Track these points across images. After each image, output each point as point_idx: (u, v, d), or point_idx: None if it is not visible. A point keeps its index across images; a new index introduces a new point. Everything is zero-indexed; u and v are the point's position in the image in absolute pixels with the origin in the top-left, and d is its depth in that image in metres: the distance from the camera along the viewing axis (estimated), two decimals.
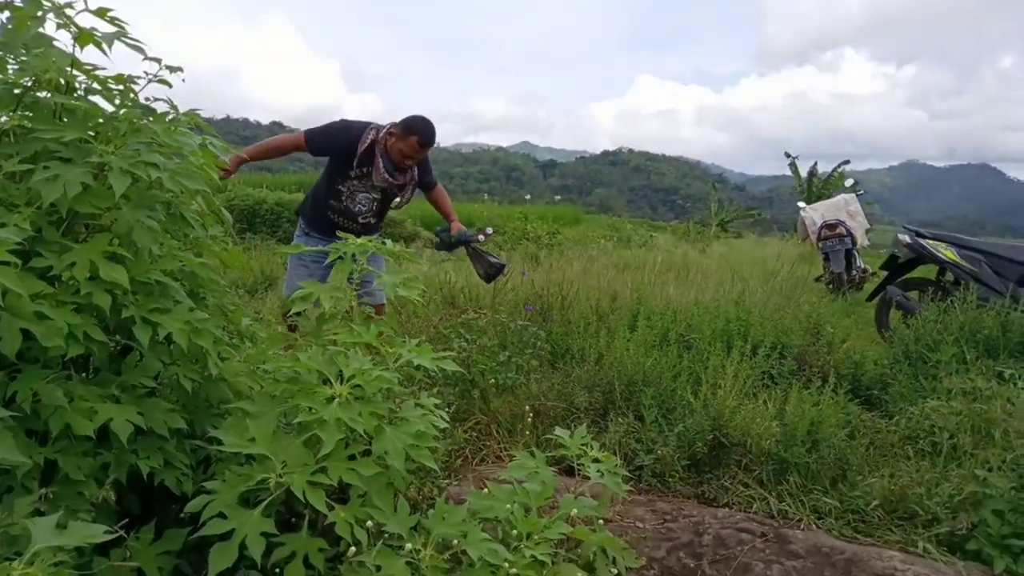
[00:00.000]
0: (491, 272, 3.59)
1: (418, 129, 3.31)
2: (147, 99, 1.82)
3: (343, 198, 3.43)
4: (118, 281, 1.49)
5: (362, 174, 3.37)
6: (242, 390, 1.95)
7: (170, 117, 1.82)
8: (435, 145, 3.45)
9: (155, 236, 1.64)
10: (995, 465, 2.26)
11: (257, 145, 3.43)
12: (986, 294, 4.26)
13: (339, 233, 2.55)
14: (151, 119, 1.75)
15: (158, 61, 1.81)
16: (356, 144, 3.30)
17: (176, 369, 1.73)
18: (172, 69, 1.83)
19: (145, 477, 1.59)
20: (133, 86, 1.80)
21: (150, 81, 1.81)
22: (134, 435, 1.52)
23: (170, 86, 1.85)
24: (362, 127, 3.36)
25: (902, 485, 2.25)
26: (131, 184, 1.57)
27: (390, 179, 3.36)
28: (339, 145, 3.35)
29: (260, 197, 10.90)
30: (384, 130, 3.35)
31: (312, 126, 3.44)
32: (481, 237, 3.61)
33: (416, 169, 3.48)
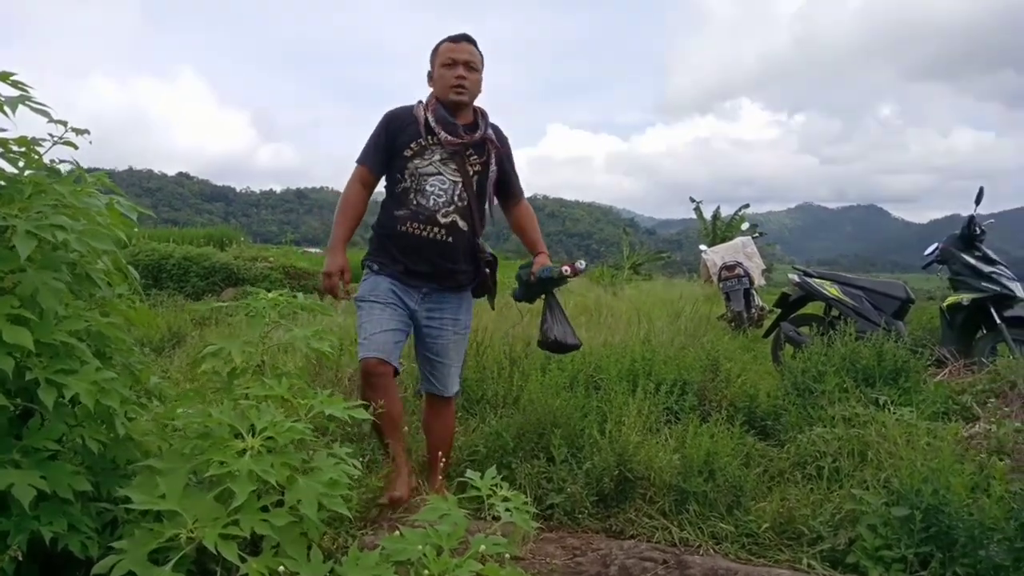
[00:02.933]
0: (560, 343, 2.75)
1: (442, 40, 2.67)
2: (52, 161, 1.85)
3: (410, 196, 2.59)
4: (22, 343, 1.50)
5: (422, 146, 2.59)
6: (151, 449, 1.94)
7: (77, 178, 1.84)
8: (475, 46, 2.65)
9: (60, 297, 1.65)
10: (870, 484, 2.47)
11: (339, 224, 2.70)
12: (864, 326, 4.65)
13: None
14: (56, 181, 1.77)
15: (64, 124, 1.84)
16: (413, 122, 2.63)
17: (81, 431, 1.71)
18: (78, 131, 1.87)
19: (47, 543, 1.57)
20: (38, 148, 1.82)
21: (55, 143, 1.83)
22: (36, 500, 1.50)
23: (76, 147, 1.88)
24: (411, 106, 2.70)
25: (790, 508, 2.43)
26: (36, 246, 1.58)
27: (453, 138, 2.58)
28: (391, 135, 2.65)
29: (166, 252, 10.60)
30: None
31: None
32: (566, 269, 2.67)
33: (492, 131, 2.69)
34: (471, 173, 2.63)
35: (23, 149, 1.81)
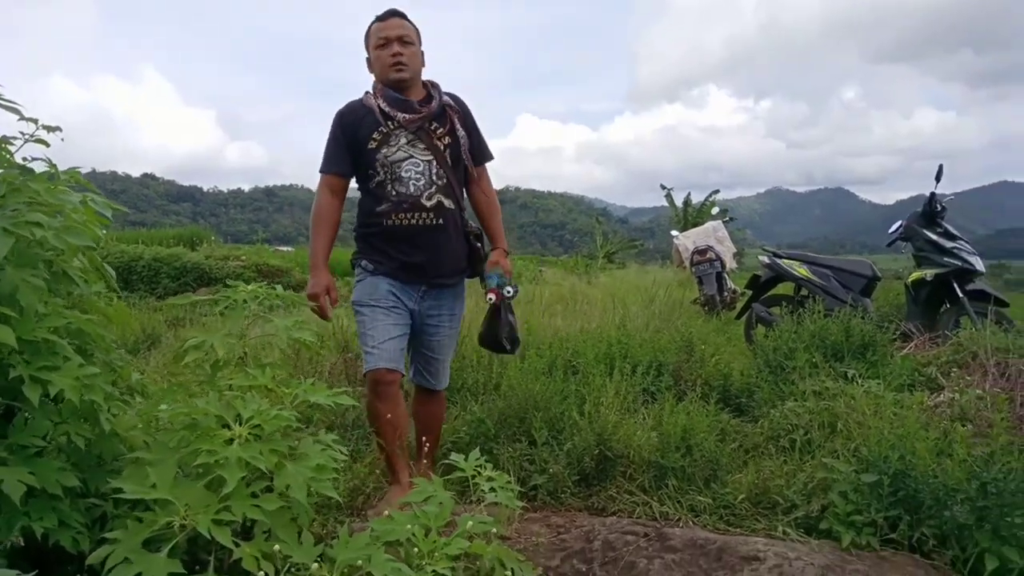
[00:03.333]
0: (502, 342, 2.66)
1: (371, 22, 2.59)
2: (25, 159, 1.84)
3: (388, 188, 2.50)
4: (5, 341, 1.50)
5: (384, 134, 2.50)
6: (136, 444, 1.95)
7: (50, 176, 1.84)
8: (406, 19, 2.57)
9: (40, 295, 1.65)
10: (841, 453, 2.56)
11: (316, 241, 2.58)
12: (832, 304, 4.77)
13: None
14: (30, 178, 1.77)
15: (35, 121, 1.84)
16: (368, 113, 2.54)
17: (66, 427, 1.72)
18: (50, 129, 1.86)
19: (39, 538, 1.58)
20: (8, 146, 1.81)
21: (27, 141, 1.83)
22: (25, 496, 1.51)
23: (47, 145, 1.88)
24: (359, 99, 2.61)
25: (765, 479, 2.52)
26: (13, 244, 1.59)
27: (412, 115, 2.50)
28: (348, 131, 2.55)
29: (136, 253, 10.44)
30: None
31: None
32: (490, 297, 2.60)
33: (448, 98, 2.60)
34: (442, 148, 2.54)
35: None
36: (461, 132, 2.58)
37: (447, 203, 2.54)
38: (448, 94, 2.63)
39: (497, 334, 2.65)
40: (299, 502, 1.59)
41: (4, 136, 1.79)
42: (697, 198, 21.60)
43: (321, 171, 2.61)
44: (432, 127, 2.54)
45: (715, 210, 11.42)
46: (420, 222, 2.50)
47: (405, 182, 2.49)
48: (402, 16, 2.56)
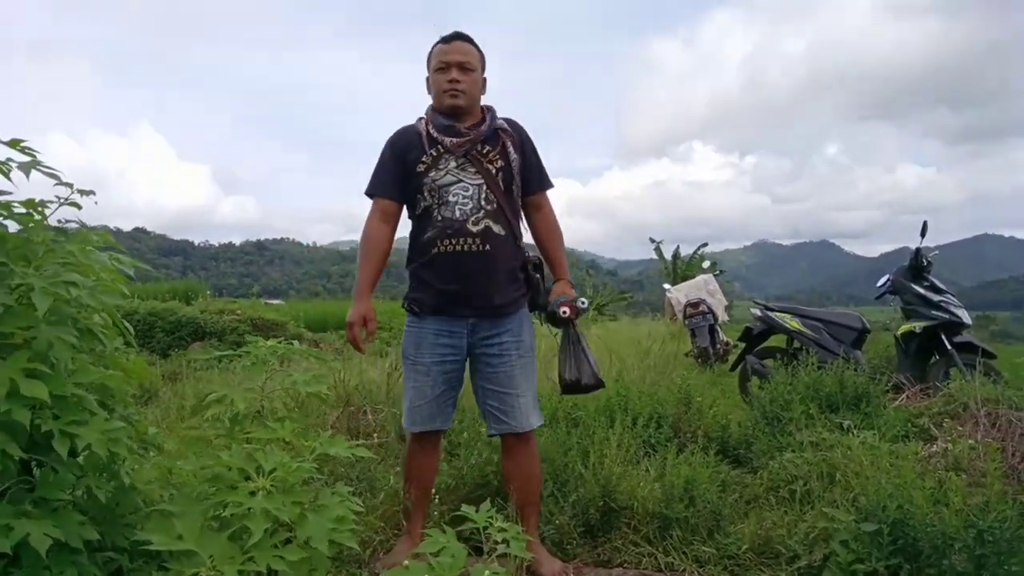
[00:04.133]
0: (575, 384, 2.56)
1: (435, 42, 2.50)
2: (60, 221, 1.93)
3: (434, 213, 2.42)
4: (39, 396, 1.56)
5: (433, 158, 2.42)
6: (153, 498, 1.99)
7: (81, 237, 1.93)
8: (471, 43, 2.49)
9: (71, 351, 1.72)
10: (840, 503, 2.61)
11: (362, 268, 2.50)
12: (824, 356, 4.87)
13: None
14: (65, 240, 1.86)
15: (70, 186, 1.93)
16: (416, 137, 2.47)
17: (87, 481, 1.77)
18: (84, 192, 1.96)
19: None
20: (44, 210, 1.90)
21: (61, 204, 1.92)
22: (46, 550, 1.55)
23: (80, 208, 1.97)
24: (413, 124, 2.54)
25: (767, 529, 2.56)
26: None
27: (459, 139, 2.40)
28: (399, 156, 2.48)
29: (131, 307, 10.44)
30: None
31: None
32: (564, 311, 2.48)
33: (502, 121, 2.50)
34: (494, 172, 2.42)
35: (27, 211, 1.89)
36: (514, 156, 2.47)
37: (496, 229, 2.41)
38: (504, 119, 2.53)
39: (589, 363, 2.52)
40: (320, 553, 1.63)
41: (41, 200, 1.88)
42: (685, 251, 21.89)
43: (367, 193, 2.52)
44: (483, 150, 2.44)
45: (706, 263, 11.61)
46: (465, 248, 2.38)
47: (451, 206, 2.39)
48: (468, 40, 2.48)
